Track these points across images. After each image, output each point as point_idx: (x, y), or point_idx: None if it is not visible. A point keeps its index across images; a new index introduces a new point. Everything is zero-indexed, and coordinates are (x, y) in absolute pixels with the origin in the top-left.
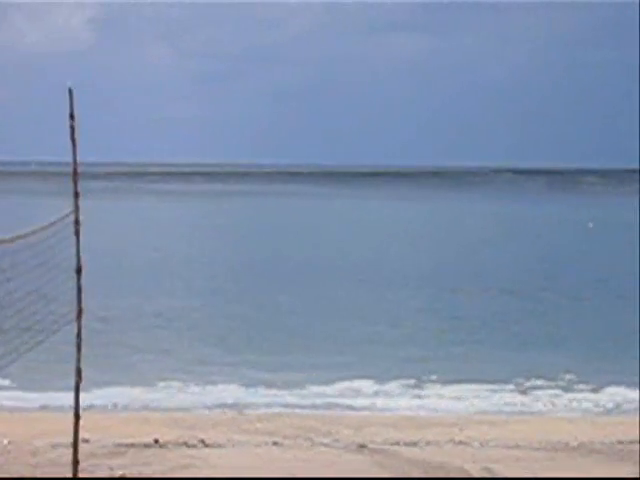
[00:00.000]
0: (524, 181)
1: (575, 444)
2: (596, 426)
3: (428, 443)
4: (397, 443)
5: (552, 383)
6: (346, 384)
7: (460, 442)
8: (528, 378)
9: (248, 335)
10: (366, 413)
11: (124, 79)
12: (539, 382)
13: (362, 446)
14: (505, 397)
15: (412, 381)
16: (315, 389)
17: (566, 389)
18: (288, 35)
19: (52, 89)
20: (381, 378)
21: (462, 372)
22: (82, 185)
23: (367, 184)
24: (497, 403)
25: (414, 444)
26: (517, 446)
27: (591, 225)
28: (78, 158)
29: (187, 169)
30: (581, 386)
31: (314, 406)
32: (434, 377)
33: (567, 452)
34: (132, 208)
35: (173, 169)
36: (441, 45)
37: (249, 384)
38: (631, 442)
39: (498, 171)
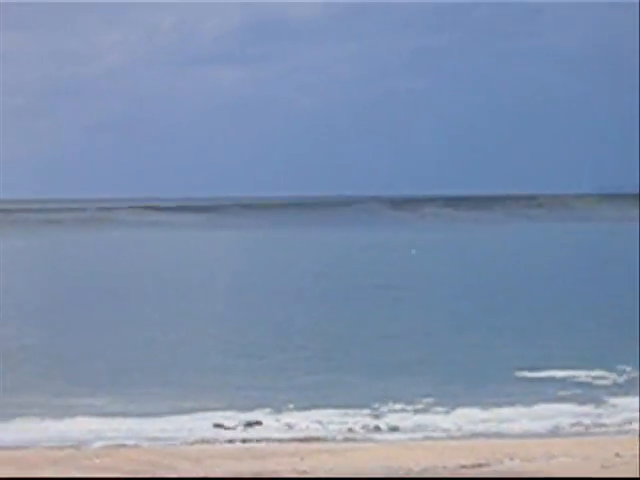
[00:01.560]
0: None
1: (418, 469)
2: (434, 451)
3: (273, 473)
4: (240, 474)
5: (409, 407)
6: (185, 417)
7: (304, 472)
8: (384, 402)
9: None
10: (204, 445)
11: None
12: (396, 407)
13: None
14: (350, 424)
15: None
16: (156, 421)
17: (417, 412)
18: (101, 69)
19: None
20: (217, 409)
21: (314, 399)
22: None
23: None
24: (340, 430)
25: (258, 474)
26: (360, 475)
27: (414, 252)
28: None
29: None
30: (438, 408)
31: (152, 439)
32: (291, 406)
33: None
34: None
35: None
36: (256, 75)
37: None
38: (473, 466)
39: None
